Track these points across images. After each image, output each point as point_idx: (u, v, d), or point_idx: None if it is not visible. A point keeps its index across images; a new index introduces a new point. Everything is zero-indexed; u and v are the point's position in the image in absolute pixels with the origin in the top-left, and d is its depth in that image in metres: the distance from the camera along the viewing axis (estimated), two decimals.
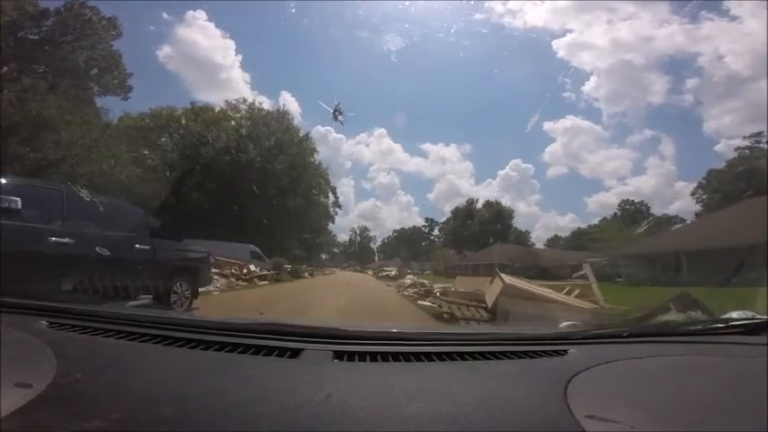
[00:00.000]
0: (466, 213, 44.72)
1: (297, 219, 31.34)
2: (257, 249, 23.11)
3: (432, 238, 50.61)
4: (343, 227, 50.56)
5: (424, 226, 49.84)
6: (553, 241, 45.37)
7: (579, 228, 41.32)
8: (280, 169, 30.33)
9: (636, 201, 41.22)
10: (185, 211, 24.98)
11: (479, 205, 45.68)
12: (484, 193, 43.16)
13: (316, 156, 33.39)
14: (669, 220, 34.56)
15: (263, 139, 30.45)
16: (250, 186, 28.33)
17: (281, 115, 32.32)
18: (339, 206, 39.14)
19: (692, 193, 37.67)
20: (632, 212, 44.29)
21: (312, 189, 32.92)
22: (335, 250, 49.21)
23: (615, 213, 41.13)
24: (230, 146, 29.23)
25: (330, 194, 38.92)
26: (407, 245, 50.58)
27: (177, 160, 28.71)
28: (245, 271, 16.47)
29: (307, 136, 32.70)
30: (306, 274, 26.74)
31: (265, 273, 17.89)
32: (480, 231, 42.64)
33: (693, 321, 1.70)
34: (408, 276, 24.14)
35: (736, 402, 0.96)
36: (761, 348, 1.30)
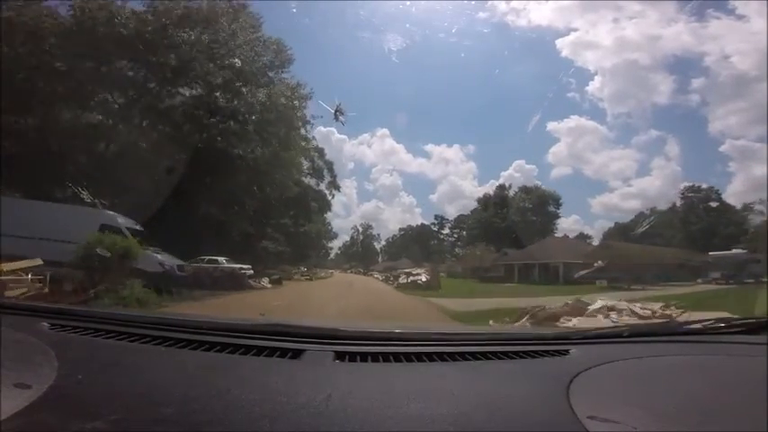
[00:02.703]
0: (499, 201, 35.99)
1: (260, 180, 18.47)
2: (121, 221, 12.79)
3: (441, 236, 45.71)
4: (344, 227, 47.91)
5: (433, 224, 44.94)
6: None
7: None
8: (210, 74, 16.67)
9: (702, 186, 36.16)
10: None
11: (511, 192, 37.62)
12: (487, 195, 39.69)
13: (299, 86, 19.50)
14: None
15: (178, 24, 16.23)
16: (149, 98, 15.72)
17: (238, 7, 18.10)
18: (337, 187, 29.88)
19: None
20: (697, 201, 36.96)
21: (290, 129, 19.44)
22: (331, 246, 39.04)
23: (674, 203, 36.93)
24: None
25: (325, 172, 29.44)
26: (417, 244, 44.89)
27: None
28: None
29: (280, 43, 18.95)
30: (262, 283, 16.39)
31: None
32: (522, 222, 33.30)
33: (693, 321, 1.60)
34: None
35: (737, 402, 0.95)
36: (761, 348, 1.29)
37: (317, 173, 28.83)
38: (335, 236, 36.87)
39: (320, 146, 28.04)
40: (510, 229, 32.39)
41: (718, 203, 36.72)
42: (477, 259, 29.17)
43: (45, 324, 1.32)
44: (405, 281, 21.91)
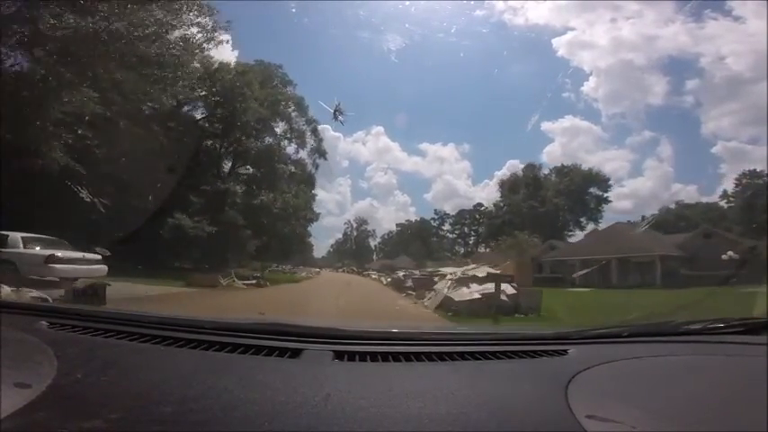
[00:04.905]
0: (533, 182, 29.40)
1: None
2: None
3: (442, 232, 43.84)
4: (338, 226, 45.78)
5: (433, 219, 42.67)
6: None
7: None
8: None
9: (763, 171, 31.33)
10: None
11: (541, 174, 31.50)
12: (481, 195, 40.89)
13: None
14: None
15: None
16: None
17: None
18: (323, 155, 22.22)
19: None
20: (759, 189, 31.33)
21: None
22: (310, 230, 29.77)
23: (725, 190, 33.23)
24: None
25: (309, 134, 21.65)
26: (419, 240, 41.53)
27: None
28: None
29: None
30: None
31: None
32: (566, 206, 26.47)
33: (693, 321, 1.56)
34: None
35: (736, 402, 0.95)
36: (761, 348, 1.28)
37: (295, 134, 20.94)
38: (317, 216, 27.59)
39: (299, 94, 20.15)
40: (551, 216, 25.10)
41: None
42: (515, 253, 21.71)
43: (44, 323, 1.32)
44: (467, 297, 9.37)
